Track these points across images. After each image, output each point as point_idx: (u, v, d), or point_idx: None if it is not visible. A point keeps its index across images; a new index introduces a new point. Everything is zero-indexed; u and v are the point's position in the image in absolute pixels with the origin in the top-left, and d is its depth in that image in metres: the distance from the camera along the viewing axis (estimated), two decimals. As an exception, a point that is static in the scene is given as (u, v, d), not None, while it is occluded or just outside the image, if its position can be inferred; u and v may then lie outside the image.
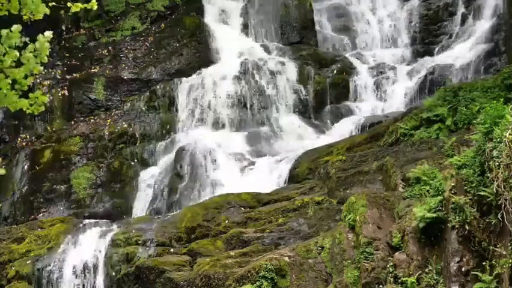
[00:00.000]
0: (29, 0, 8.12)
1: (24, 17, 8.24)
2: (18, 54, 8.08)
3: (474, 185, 11.88)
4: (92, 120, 21.73)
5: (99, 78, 22.43)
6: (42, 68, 8.33)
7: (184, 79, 22.14)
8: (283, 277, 13.15)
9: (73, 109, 22.12)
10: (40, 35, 8.14)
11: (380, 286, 12.38)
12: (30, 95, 8.43)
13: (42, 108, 8.52)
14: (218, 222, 16.22)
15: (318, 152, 18.61)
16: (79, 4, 8.83)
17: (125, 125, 21.36)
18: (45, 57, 8.21)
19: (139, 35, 23.80)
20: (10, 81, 8.24)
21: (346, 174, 16.36)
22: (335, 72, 22.47)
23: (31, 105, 8.41)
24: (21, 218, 19.73)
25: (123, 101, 22.16)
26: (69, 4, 8.80)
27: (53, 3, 8.84)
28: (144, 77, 22.60)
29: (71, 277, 15.62)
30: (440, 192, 12.49)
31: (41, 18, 8.34)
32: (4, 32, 8.04)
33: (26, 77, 8.27)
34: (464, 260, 11.68)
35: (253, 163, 19.63)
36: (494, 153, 11.40)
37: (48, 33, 8.11)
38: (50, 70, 22.55)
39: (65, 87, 22.30)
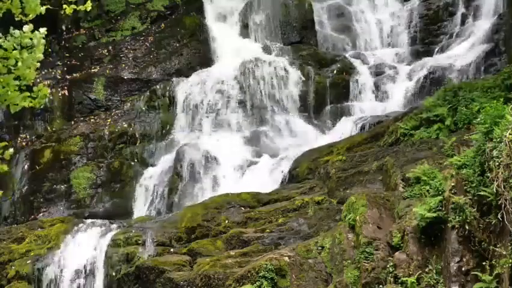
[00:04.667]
0: (30, 0, 8.17)
1: (17, 18, 8.29)
2: (27, 54, 8.15)
3: (474, 185, 11.88)
4: (92, 120, 21.74)
5: (99, 78, 22.45)
6: (39, 64, 8.39)
7: (184, 79, 22.15)
8: (283, 277, 13.14)
9: (73, 109, 22.13)
10: (36, 32, 8.20)
11: (380, 286, 12.38)
12: (34, 88, 8.49)
13: (45, 100, 8.59)
14: (218, 222, 16.21)
15: (318, 152, 18.61)
16: (74, 6, 8.89)
17: (125, 125, 21.37)
18: (41, 55, 8.28)
19: (139, 35, 23.82)
20: (18, 83, 8.32)
21: (346, 174, 16.36)
22: (335, 72, 22.47)
23: (34, 98, 8.47)
24: (21, 218, 19.74)
25: (123, 101, 22.17)
26: (64, 6, 8.86)
27: (48, 6, 8.89)
28: (144, 77, 22.61)
29: (71, 277, 15.62)
30: (440, 192, 12.49)
31: (36, 16, 8.38)
32: (17, 32, 8.10)
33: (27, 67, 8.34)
34: (464, 260, 11.68)
35: (253, 163, 19.63)
36: (494, 153, 11.40)
37: (43, 30, 8.17)
38: (50, 70, 22.56)
39: (65, 87, 22.31)
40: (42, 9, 8.26)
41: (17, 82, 8.28)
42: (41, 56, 8.31)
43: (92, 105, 22.18)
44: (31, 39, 8.17)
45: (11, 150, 9.05)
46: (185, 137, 20.98)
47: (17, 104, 8.50)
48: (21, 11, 8.19)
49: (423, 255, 12.33)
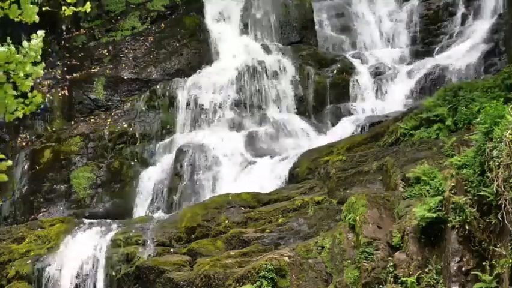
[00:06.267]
0: (28, 6, 8.15)
1: (16, 19, 8.27)
2: (30, 67, 8.13)
3: (474, 185, 11.87)
4: (92, 120, 21.74)
5: (99, 78, 22.44)
6: (38, 68, 8.36)
7: (184, 79, 22.15)
8: (283, 277, 13.14)
9: (73, 109, 22.12)
10: (34, 35, 8.17)
11: (380, 286, 12.38)
12: (29, 94, 8.47)
13: (39, 106, 8.57)
14: (218, 222, 16.22)
15: (318, 152, 18.61)
16: (72, 8, 8.88)
17: (125, 125, 21.36)
18: (39, 57, 8.24)
19: (139, 35, 23.81)
20: (16, 93, 8.29)
21: (346, 174, 16.36)
22: (335, 72, 22.47)
23: (27, 105, 8.45)
24: (21, 218, 19.73)
25: (123, 101, 22.17)
26: (64, 8, 8.85)
27: (47, 8, 8.88)
28: (144, 77, 22.61)
29: (71, 277, 15.62)
30: (440, 192, 12.49)
31: (36, 20, 8.36)
32: (26, 43, 8.09)
33: (26, 76, 8.30)
34: (464, 260, 11.68)
35: (253, 163, 19.63)
36: (494, 153, 11.39)
37: (41, 32, 8.14)
38: (50, 70, 22.55)
39: (65, 87, 22.31)
40: (37, 18, 8.24)
41: (14, 92, 8.27)
42: (38, 58, 8.29)
43: (92, 105, 22.18)
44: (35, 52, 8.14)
45: (10, 162, 9.01)
46: (185, 136, 20.97)
47: (13, 113, 8.47)
48: (20, 12, 8.18)
49: (423, 255, 12.33)
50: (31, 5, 8.12)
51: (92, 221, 17.59)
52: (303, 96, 22.01)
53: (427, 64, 21.88)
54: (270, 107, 21.76)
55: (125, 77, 22.55)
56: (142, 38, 23.67)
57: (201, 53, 23.19)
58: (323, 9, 25.39)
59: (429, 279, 12.00)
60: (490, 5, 22.92)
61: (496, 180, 11.23)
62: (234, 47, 23.35)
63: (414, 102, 20.38)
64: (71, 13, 8.86)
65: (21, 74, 8.14)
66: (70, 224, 17.08)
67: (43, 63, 8.38)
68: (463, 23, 23.34)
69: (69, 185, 20.31)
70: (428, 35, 23.80)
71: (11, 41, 8.05)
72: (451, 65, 21.23)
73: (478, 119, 12.35)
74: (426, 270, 12.15)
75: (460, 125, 16.17)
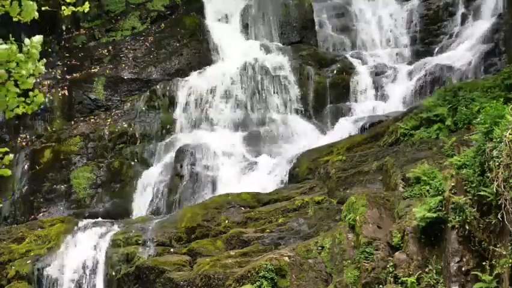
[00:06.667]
0: (28, 3, 8.16)
1: (15, 19, 8.27)
2: (31, 64, 8.13)
3: (474, 185, 11.88)
4: (92, 120, 21.74)
5: (99, 78, 22.44)
6: (39, 64, 8.36)
7: (184, 79, 22.15)
8: (283, 277, 13.15)
9: (73, 109, 22.12)
10: (33, 38, 8.18)
11: (380, 286, 12.38)
12: (30, 93, 8.47)
13: (40, 105, 8.58)
14: (218, 222, 16.22)
15: (318, 152, 18.61)
16: (72, 7, 8.89)
17: (125, 125, 21.36)
18: (37, 60, 8.25)
19: (139, 35, 23.81)
20: (18, 91, 8.30)
21: (346, 174, 16.36)
22: (335, 72, 22.46)
23: (28, 104, 8.46)
24: (21, 218, 19.74)
25: (123, 101, 22.17)
26: (63, 7, 8.86)
27: (47, 8, 8.89)
28: (144, 77, 22.61)
29: (71, 277, 15.62)
30: (440, 192, 12.50)
31: (35, 19, 8.36)
32: (27, 40, 8.10)
33: (29, 75, 8.31)
34: (464, 260, 11.68)
35: (253, 163, 19.63)
36: (494, 153, 11.40)
37: (39, 37, 8.14)
38: (50, 70, 22.56)
39: (65, 87, 22.31)
40: (36, 14, 8.25)
41: (17, 89, 8.28)
42: (42, 69, 8.30)
43: (92, 105, 22.18)
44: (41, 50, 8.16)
45: (11, 155, 9.02)
46: (185, 136, 20.97)
47: (12, 110, 8.49)
48: (20, 11, 8.19)
49: (423, 255, 12.33)
50: (30, 2, 8.12)
51: (92, 221, 17.59)
52: (303, 96, 22.01)
53: (427, 64, 21.87)
54: (270, 107, 21.75)
55: (125, 77, 22.55)
56: (142, 38, 23.67)
57: (201, 53, 23.19)
58: (323, 9, 25.39)
59: (429, 279, 12.00)
60: (490, 5, 22.93)
61: (496, 180, 11.24)
62: (234, 47, 23.35)
63: (414, 102, 20.38)
64: (70, 13, 8.86)
65: (23, 72, 8.14)
66: (70, 224, 17.09)
67: (44, 60, 8.37)
68: (463, 23, 23.35)
69: (69, 185, 20.31)
70: (428, 35, 23.81)
71: (13, 39, 8.05)
72: (451, 65, 21.23)
73: (478, 119, 12.35)
74: (426, 270, 12.16)
75: (460, 125, 16.18)
